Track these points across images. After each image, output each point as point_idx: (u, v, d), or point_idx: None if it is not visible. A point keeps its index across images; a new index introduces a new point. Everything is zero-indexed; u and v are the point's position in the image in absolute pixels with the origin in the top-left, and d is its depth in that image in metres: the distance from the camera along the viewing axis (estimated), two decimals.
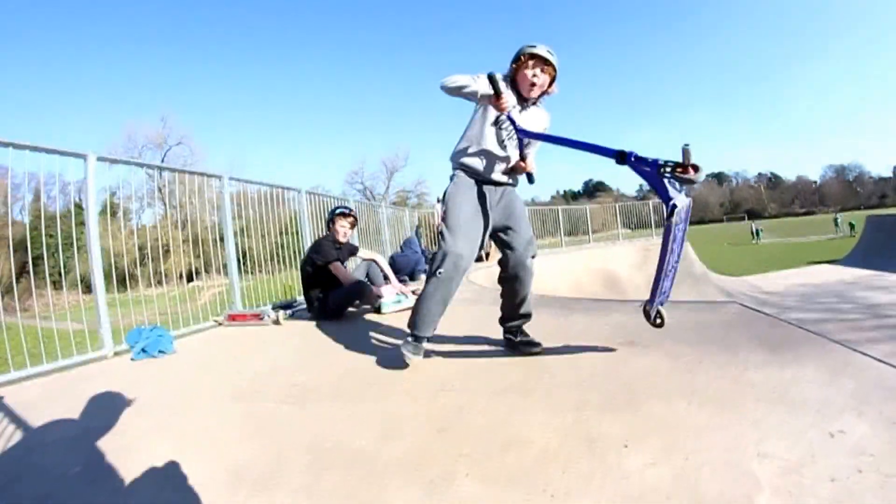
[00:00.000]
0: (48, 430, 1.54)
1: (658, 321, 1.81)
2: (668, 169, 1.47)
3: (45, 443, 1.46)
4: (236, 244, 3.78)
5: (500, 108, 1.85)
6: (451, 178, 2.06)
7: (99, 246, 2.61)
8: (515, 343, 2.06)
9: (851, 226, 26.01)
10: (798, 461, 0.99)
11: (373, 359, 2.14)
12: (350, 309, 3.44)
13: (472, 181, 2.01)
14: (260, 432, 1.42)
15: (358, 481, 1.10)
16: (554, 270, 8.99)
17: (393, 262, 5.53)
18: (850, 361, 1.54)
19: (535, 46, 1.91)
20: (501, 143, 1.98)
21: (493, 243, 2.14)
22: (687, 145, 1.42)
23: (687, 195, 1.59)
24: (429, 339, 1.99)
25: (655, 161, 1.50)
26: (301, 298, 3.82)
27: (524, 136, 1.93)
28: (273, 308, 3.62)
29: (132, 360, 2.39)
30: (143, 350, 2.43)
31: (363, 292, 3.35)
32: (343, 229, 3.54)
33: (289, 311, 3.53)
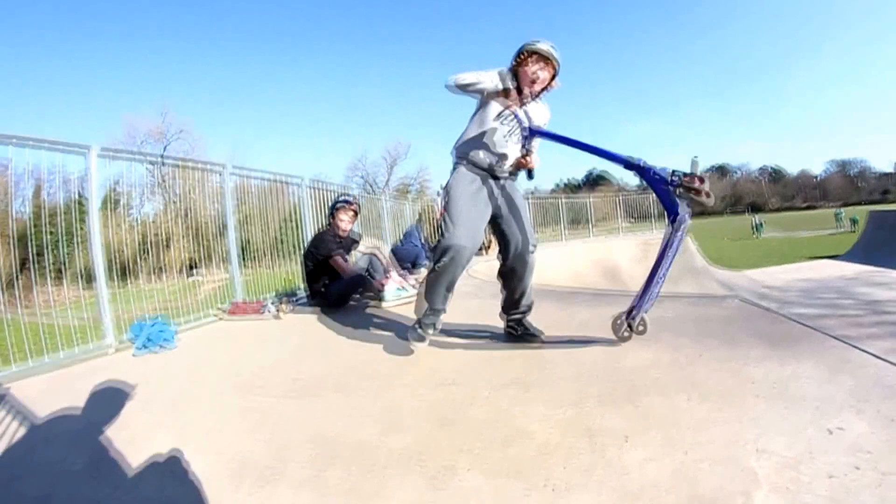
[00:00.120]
0: (51, 426, 1.55)
1: (641, 329, 1.88)
2: (678, 179, 1.51)
3: (49, 438, 1.46)
4: (237, 236, 3.78)
5: (511, 105, 1.84)
6: (453, 171, 2.06)
7: (101, 240, 2.61)
8: (516, 335, 2.09)
9: (854, 221, 25.87)
10: (796, 458, 1.00)
11: (374, 352, 2.15)
12: (351, 301, 3.45)
13: (473, 174, 2.02)
14: (262, 426, 1.44)
15: (360, 475, 1.11)
16: (555, 261, 9.00)
17: (394, 254, 5.53)
18: (850, 358, 1.54)
19: (537, 43, 1.92)
20: (504, 137, 1.99)
21: (493, 236, 2.16)
22: (696, 157, 1.50)
23: (690, 215, 1.65)
24: (435, 328, 2.04)
25: (664, 170, 1.55)
26: (303, 288, 3.84)
27: (536, 134, 1.95)
28: (276, 298, 3.63)
29: (134, 354, 2.40)
30: (145, 344, 2.44)
31: (364, 284, 3.37)
32: (344, 222, 3.54)
33: (290, 304, 3.54)
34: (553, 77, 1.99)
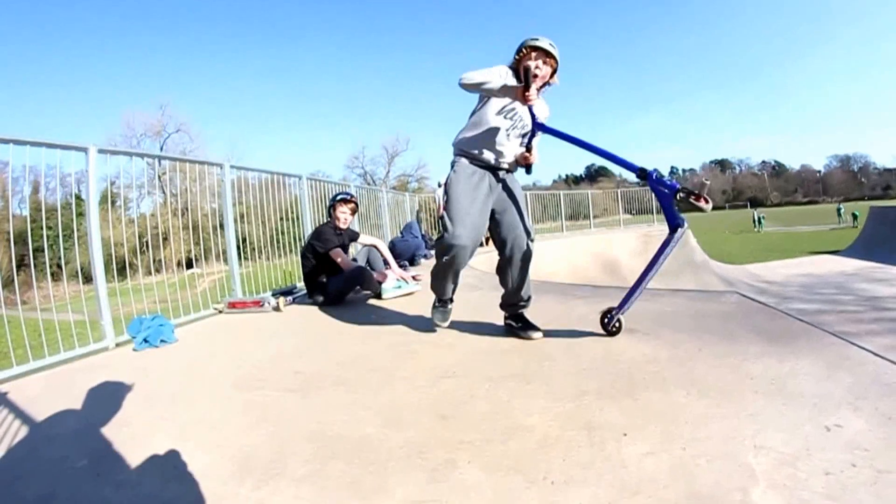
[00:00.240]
0: (52, 424, 1.54)
1: (615, 327, 1.95)
2: (684, 194, 1.59)
3: (50, 437, 1.46)
4: (236, 231, 3.77)
5: (525, 101, 1.84)
6: (452, 165, 2.06)
7: (100, 237, 2.60)
8: (516, 329, 2.09)
9: (855, 216, 25.83)
10: (793, 454, 1.01)
11: (374, 346, 2.16)
12: (351, 295, 3.46)
13: (473, 168, 2.02)
14: (263, 421, 1.44)
15: (362, 469, 1.12)
16: (555, 255, 9.02)
17: (393, 248, 5.53)
18: (848, 355, 1.55)
19: (537, 39, 1.93)
20: (506, 133, 1.99)
21: (490, 227, 2.17)
22: (707, 180, 1.62)
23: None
24: (445, 315, 2.23)
25: (674, 185, 1.62)
26: (301, 285, 3.83)
27: (547, 132, 1.96)
28: (273, 294, 3.64)
29: (134, 350, 2.40)
30: (145, 340, 2.44)
31: (363, 278, 3.37)
32: (344, 216, 3.55)
33: (290, 298, 3.54)
34: (553, 72, 1.99)
